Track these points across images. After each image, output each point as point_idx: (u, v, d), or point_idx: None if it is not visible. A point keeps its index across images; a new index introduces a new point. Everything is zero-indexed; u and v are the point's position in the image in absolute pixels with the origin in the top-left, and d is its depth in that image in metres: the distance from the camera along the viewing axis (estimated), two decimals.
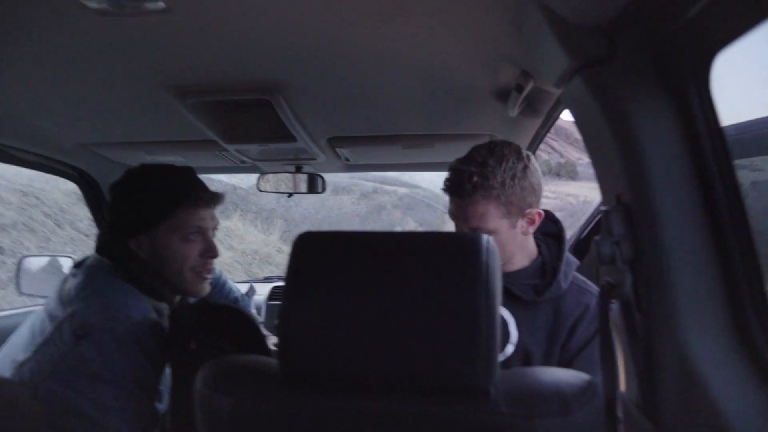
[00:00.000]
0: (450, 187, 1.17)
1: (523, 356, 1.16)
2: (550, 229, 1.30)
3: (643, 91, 0.70)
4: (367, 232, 0.73)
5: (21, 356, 1.11)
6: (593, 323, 1.17)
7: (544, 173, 2.11)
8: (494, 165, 1.13)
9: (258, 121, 1.45)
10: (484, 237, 0.68)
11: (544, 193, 1.25)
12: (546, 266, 1.23)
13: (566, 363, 1.14)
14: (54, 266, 2.15)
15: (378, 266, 0.68)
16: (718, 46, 0.62)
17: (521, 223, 1.17)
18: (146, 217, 1.22)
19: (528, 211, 1.17)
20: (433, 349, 0.64)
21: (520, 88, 1.07)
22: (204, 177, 1.36)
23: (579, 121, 0.84)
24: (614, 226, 0.77)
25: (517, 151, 1.17)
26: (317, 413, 0.69)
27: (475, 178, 1.12)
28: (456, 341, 0.64)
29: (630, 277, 0.75)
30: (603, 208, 0.82)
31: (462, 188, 1.14)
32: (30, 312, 1.23)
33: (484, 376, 0.63)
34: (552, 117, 1.31)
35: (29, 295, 2.05)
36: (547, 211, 1.30)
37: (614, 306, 0.82)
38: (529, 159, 1.17)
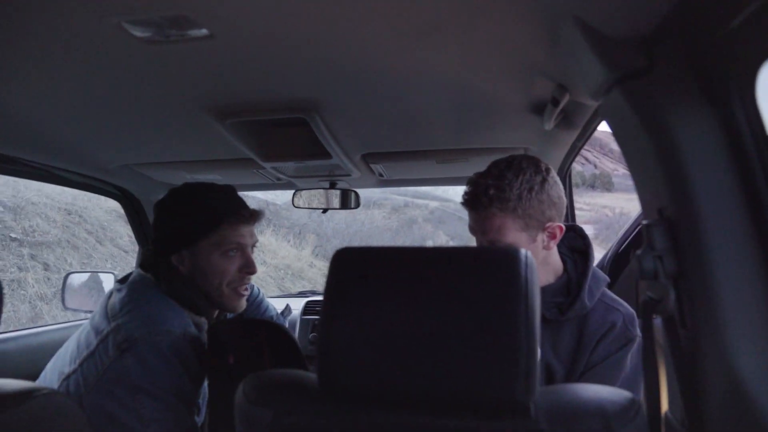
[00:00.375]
0: (467, 200, 1.17)
1: (546, 375, 1.14)
2: (577, 244, 1.28)
3: (684, 102, 0.69)
4: (405, 247, 0.74)
5: (67, 369, 1.16)
6: (616, 342, 1.14)
7: (577, 185, 2.07)
8: (511, 178, 1.13)
9: (294, 139, 1.47)
10: (523, 251, 0.67)
11: (579, 206, 1.22)
12: (571, 283, 1.20)
13: (580, 377, 1.13)
14: (96, 282, 2.22)
15: (416, 281, 0.68)
16: (763, 56, 0.61)
17: (541, 237, 1.16)
18: (189, 234, 1.25)
19: (548, 225, 1.15)
20: (472, 365, 0.63)
21: (555, 102, 1.06)
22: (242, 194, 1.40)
23: (618, 134, 0.83)
24: (656, 240, 0.75)
25: (536, 164, 1.16)
26: (356, 427, 0.69)
27: (491, 191, 1.12)
28: (495, 356, 0.63)
29: (673, 293, 0.73)
30: (644, 222, 0.80)
31: (478, 201, 1.14)
32: (74, 326, 1.27)
33: (524, 392, 0.62)
34: (589, 129, 1.30)
35: (73, 309, 2.12)
36: (575, 226, 1.28)
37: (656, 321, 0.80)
38: (548, 172, 1.16)
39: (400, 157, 1.69)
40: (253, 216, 1.31)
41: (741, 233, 0.67)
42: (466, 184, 1.18)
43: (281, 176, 1.87)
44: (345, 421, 0.69)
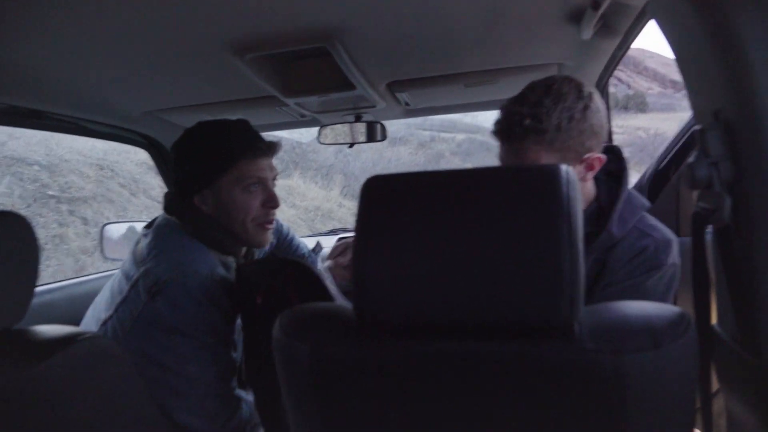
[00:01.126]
0: (500, 130, 1.06)
1: None
2: (612, 168, 1.16)
3: None
4: (438, 171, 0.70)
5: (104, 315, 1.19)
6: (642, 267, 1.05)
7: (611, 107, 1.98)
8: (550, 105, 1.01)
9: (316, 72, 1.42)
10: (563, 167, 0.63)
11: (612, 129, 1.14)
12: (603, 212, 1.11)
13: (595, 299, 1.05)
14: (133, 232, 2.27)
15: (451, 204, 0.65)
16: None
17: (579, 168, 1.06)
18: (208, 172, 1.24)
19: (587, 156, 1.05)
20: (514, 287, 0.61)
21: (597, 4, 0.97)
22: (268, 135, 1.37)
23: (669, 31, 0.76)
24: (711, 145, 0.70)
25: (578, 88, 1.04)
26: (396, 358, 0.68)
27: (527, 121, 1.00)
28: (538, 277, 0.61)
29: (729, 201, 0.69)
30: (697, 127, 0.75)
31: (512, 132, 1.03)
32: (115, 274, 1.30)
33: (568, 312, 0.60)
34: (631, 36, 1.20)
35: (113, 259, 2.17)
36: (613, 147, 1.17)
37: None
38: (591, 98, 1.04)
39: (426, 83, 1.62)
40: (271, 148, 1.29)
41: None
42: (500, 112, 1.08)
43: (305, 112, 1.83)
44: (384, 352, 0.69)
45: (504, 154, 1.08)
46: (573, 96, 1.03)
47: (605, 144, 1.12)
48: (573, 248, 0.60)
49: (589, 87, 1.07)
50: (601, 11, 0.99)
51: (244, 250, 1.37)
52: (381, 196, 0.69)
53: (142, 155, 2.16)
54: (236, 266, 1.31)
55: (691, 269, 0.77)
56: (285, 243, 1.70)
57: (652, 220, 1.13)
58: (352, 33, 1.17)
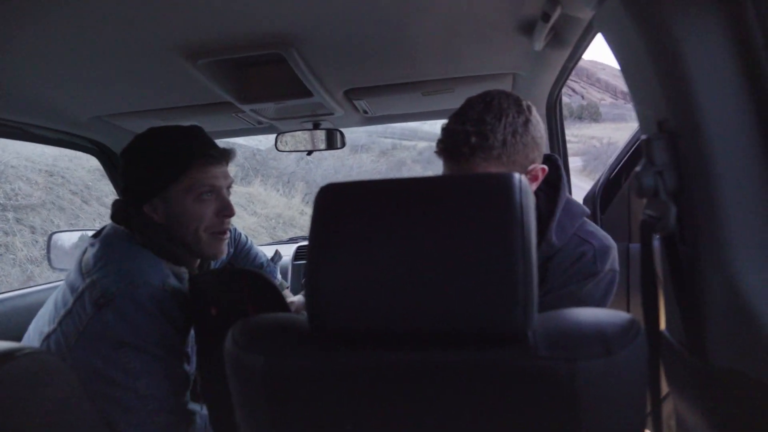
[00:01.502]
0: (445, 149, 1.03)
1: None
2: (551, 176, 1.17)
3: (691, 2, 0.64)
4: (392, 179, 0.70)
5: (47, 328, 1.14)
6: (578, 274, 1.07)
7: (565, 117, 2.02)
8: (493, 122, 1.00)
9: (272, 79, 1.40)
10: (516, 175, 0.64)
11: (567, 137, 1.16)
12: (541, 221, 1.11)
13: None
14: (84, 241, 2.18)
15: (406, 212, 0.65)
16: None
17: None
18: (158, 180, 1.20)
19: (531, 167, 1.06)
20: (469, 295, 0.61)
21: (546, 17, 1.00)
22: (224, 142, 1.34)
23: (614, 44, 0.78)
24: (656, 155, 0.72)
25: (517, 102, 1.05)
26: (351, 368, 0.67)
27: (473, 139, 0.99)
28: (492, 285, 0.61)
29: (674, 209, 0.71)
30: (643, 137, 0.77)
31: (460, 152, 1.00)
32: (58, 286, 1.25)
33: (522, 320, 0.61)
34: (580, 47, 1.24)
35: (61, 269, 2.09)
36: (550, 156, 1.18)
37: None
38: (530, 111, 1.05)
39: (384, 91, 1.62)
40: (224, 155, 1.26)
41: (748, 146, 0.64)
42: (442, 132, 1.05)
43: (262, 119, 1.81)
44: (338, 362, 0.67)
45: (451, 173, 1.06)
46: (513, 111, 1.03)
47: (544, 154, 1.14)
48: (526, 256, 0.60)
49: (527, 101, 1.08)
50: (551, 23, 1.01)
51: (198, 261, 1.33)
52: (335, 204, 0.68)
53: (95, 161, 2.09)
54: (190, 277, 1.27)
55: (640, 275, 0.78)
56: (242, 252, 1.67)
57: (592, 227, 1.15)
58: (307, 40, 1.16)
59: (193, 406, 1.23)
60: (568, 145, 1.95)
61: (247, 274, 1.21)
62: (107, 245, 1.19)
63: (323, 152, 2.08)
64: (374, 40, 1.22)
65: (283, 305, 1.17)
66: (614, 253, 1.11)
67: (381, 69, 1.45)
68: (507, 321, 0.61)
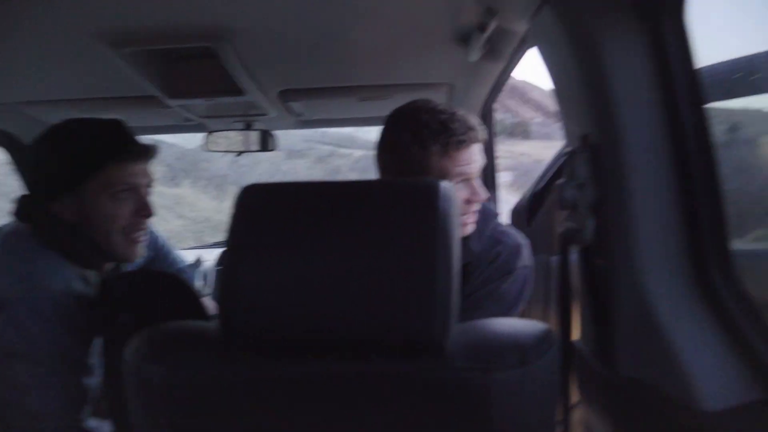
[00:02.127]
0: (469, 136, 1.02)
1: None
2: None
3: (615, 22, 0.67)
4: (317, 181, 0.68)
5: None
6: (496, 273, 1.09)
7: (498, 133, 2.08)
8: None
9: (202, 73, 1.34)
10: (441, 183, 0.63)
11: (499, 153, 1.18)
12: None
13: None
14: None
15: (327, 217, 0.63)
16: None
17: None
18: (70, 176, 1.11)
19: None
20: (387, 304, 0.60)
21: (482, 28, 1.01)
22: (150, 139, 1.27)
23: (546, 58, 0.80)
24: (578, 168, 0.74)
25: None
26: (260, 379, 0.64)
27: (470, 122, 1.03)
28: (411, 293, 0.60)
29: (593, 222, 0.73)
30: (567, 149, 0.79)
31: (475, 134, 1.03)
32: None
33: (441, 329, 0.60)
34: (514, 60, 1.27)
35: None
36: None
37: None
38: None
39: (319, 94, 1.60)
40: (146, 152, 1.18)
41: (662, 163, 0.68)
42: (437, 120, 1.03)
43: (190, 116, 1.73)
44: (247, 373, 0.64)
45: (465, 162, 1.04)
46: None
47: None
48: (447, 265, 0.60)
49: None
50: (487, 34, 1.03)
51: (108, 264, 1.24)
52: (257, 204, 0.65)
53: (3, 155, 1.91)
54: (100, 281, 1.18)
55: (557, 287, 0.80)
56: (160, 256, 1.58)
57: (502, 227, 1.18)
58: (241, 35, 1.12)
59: (93, 424, 1.14)
60: (501, 160, 2.00)
61: (163, 278, 1.14)
62: (5, 245, 1.09)
63: (258, 156, 2.02)
64: (311, 41, 1.20)
65: (202, 312, 1.11)
66: (526, 250, 1.14)
67: (317, 71, 1.43)
68: (425, 331, 0.60)
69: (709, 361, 0.64)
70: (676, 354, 0.64)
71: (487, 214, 1.16)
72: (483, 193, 1.06)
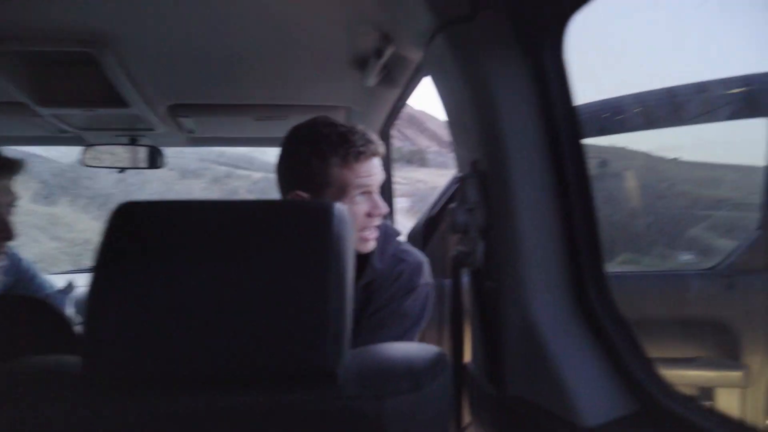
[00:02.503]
0: (372, 148, 1.03)
1: None
2: None
3: (502, 53, 0.70)
4: (201, 200, 0.64)
5: None
6: (400, 291, 1.10)
7: (396, 160, 2.11)
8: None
9: (80, 81, 1.24)
10: (336, 205, 0.62)
11: (397, 179, 1.20)
12: None
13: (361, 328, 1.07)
14: None
15: (209, 238, 0.59)
16: (570, 9, 0.63)
17: None
18: None
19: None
20: (274, 330, 0.57)
21: (379, 54, 1.03)
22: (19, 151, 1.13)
23: (439, 85, 0.82)
24: (469, 193, 0.76)
25: None
26: (129, 417, 0.57)
27: (370, 135, 1.04)
28: (301, 319, 0.57)
29: (482, 245, 0.75)
30: (459, 175, 0.81)
31: (374, 145, 1.03)
32: None
33: (333, 357, 0.57)
34: (410, 87, 1.30)
35: None
36: None
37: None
38: None
39: (213, 111, 1.53)
40: (7, 167, 1.06)
41: (545, 189, 0.71)
42: (336, 135, 1.02)
43: (66, 127, 1.58)
44: (113, 410, 0.57)
45: (366, 176, 1.03)
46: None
47: None
48: (340, 289, 0.58)
49: None
50: (383, 60, 1.04)
51: None
52: (132, 224, 0.59)
53: None
54: None
55: (449, 309, 0.81)
56: (24, 281, 1.41)
57: (404, 245, 1.19)
58: (125, 41, 1.04)
59: None
60: (399, 187, 2.03)
61: (26, 304, 1.01)
62: None
63: (149, 175, 1.90)
64: (204, 55, 1.15)
65: (72, 340, 1.00)
66: (427, 267, 1.16)
67: (211, 87, 1.37)
68: (316, 358, 0.57)
69: (588, 378, 0.67)
70: (558, 372, 0.67)
71: (389, 233, 1.16)
72: (384, 207, 1.06)
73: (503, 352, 0.74)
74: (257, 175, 18.91)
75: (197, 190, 16.68)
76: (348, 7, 0.92)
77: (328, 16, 0.96)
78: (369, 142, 1.02)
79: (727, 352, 1.86)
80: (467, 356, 0.85)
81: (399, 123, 1.80)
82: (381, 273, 1.10)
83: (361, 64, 1.16)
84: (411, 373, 0.62)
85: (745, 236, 1.97)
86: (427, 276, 1.14)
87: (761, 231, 1.85)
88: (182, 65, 1.20)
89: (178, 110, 1.50)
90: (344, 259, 0.59)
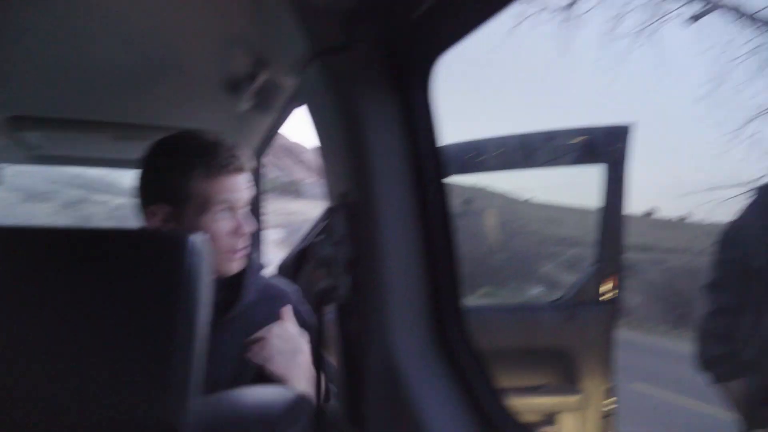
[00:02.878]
0: (239, 164, 0.96)
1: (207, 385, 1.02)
2: None
3: (375, 86, 0.71)
4: (36, 226, 0.56)
5: None
6: (275, 321, 1.04)
7: (271, 191, 2.07)
8: None
9: None
10: (192, 235, 0.56)
11: (271, 210, 1.15)
12: (231, 276, 1.06)
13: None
14: None
15: (41, 271, 0.52)
16: (438, 49, 0.66)
17: None
18: None
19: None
20: (111, 378, 0.50)
21: (252, 77, 1.01)
22: None
23: (312, 114, 0.82)
24: (336, 226, 0.75)
25: None
26: None
27: (236, 150, 0.98)
28: (141, 367, 0.51)
29: (348, 280, 0.74)
30: (327, 207, 0.81)
31: (240, 160, 0.96)
32: None
33: (175, 409, 0.51)
34: (284, 114, 1.29)
35: None
36: None
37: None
38: None
39: (64, 127, 1.38)
40: None
41: (410, 224, 0.72)
42: (200, 147, 0.95)
43: None
44: None
45: (235, 190, 0.97)
46: None
47: None
48: (188, 333, 0.52)
49: None
50: (256, 85, 1.02)
51: None
52: None
53: None
54: None
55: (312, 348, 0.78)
56: None
57: (274, 280, 1.15)
58: None
59: None
60: (273, 218, 1.97)
61: None
62: None
63: None
64: (54, 63, 1.04)
65: None
66: (299, 296, 1.12)
67: (61, 99, 1.24)
68: (156, 410, 0.51)
69: (446, 418, 0.66)
70: (418, 415, 0.66)
71: (255, 266, 1.10)
72: (250, 226, 1.00)
73: (365, 392, 0.73)
74: (117, 200, 17.41)
75: (43, 215, 14.94)
76: (220, 26, 0.89)
77: (199, 33, 0.93)
78: (234, 156, 0.97)
79: (568, 378, 2.04)
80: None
81: (275, 153, 1.77)
82: (249, 306, 1.04)
83: (234, 87, 1.13)
84: (265, 420, 0.59)
85: (583, 271, 2.20)
86: (300, 304, 1.10)
87: (595, 266, 2.08)
88: (25, 72, 1.08)
89: (18, 122, 1.34)
90: (195, 297, 0.53)
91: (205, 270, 0.56)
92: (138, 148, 1.59)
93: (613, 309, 2.07)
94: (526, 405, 1.95)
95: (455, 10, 0.59)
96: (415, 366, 0.69)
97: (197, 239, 0.56)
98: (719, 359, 1.51)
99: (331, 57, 0.71)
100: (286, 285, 1.14)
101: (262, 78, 0.99)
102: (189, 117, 1.38)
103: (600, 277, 2.06)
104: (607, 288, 2.06)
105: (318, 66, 0.73)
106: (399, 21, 0.66)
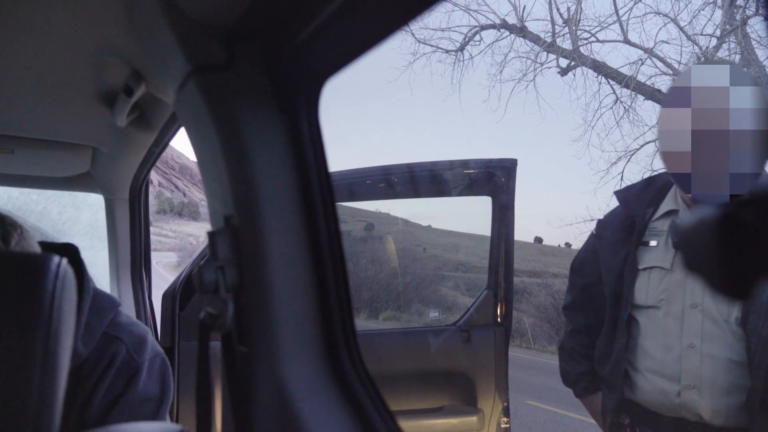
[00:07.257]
0: None
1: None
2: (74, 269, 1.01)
3: (258, 107, 0.68)
4: None
5: None
6: (120, 379, 0.93)
7: (166, 212, 1.96)
8: None
9: None
10: (57, 258, 0.52)
11: (165, 232, 1.05)
12: None
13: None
14: None
15: None
16: (324, 74, 0.65)
17: None
18: None
19: None
20: None
21: (129, 91, 0.93)
22: None
23: (191, 134, 0.77)
24: (220, 250, 0.71)
25: None
26: None
27: None
28: None
29: (233, 307, 0.70)
30: (210, 230, 0.76)
31: None
32: None
33: None
34: (167, 132, 1.20)
35: None
36: (68, 245, 0.98)
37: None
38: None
39: None
40: None
41: (298, 248, 0.69)
42: None
43: None
44: None
45: None
46: None
47: (63, 243, 0.96)
48: (50, 363, 0.48)
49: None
50: (133, 99, 0.94)
51: None
52: None
53: None
54: None
55: (196, 378, 0.73)
56: None
57: (121, 317, 1.00)
58: None
59: None
60: (168, 240, 1.85)
61: None
62: None
63: None
64: None
65: None
66: (150, 337, 1.00)
67: None
68: None
69: None
70: None
71: (102, 306, 0.96)
72: None
73: (254, 423, 0.69)
74: None
75: None
76: (92, 31, 0.81)
77: (70, 41, 0.84)
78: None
79: (467, 399, 2.09)
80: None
81: (170, 173, 1.66)
82: (88, 358, 0.91)
83: (110, 100, 1.03)
84: None
85: (478, 295, 2.28)
86: (151, 348, 0.98)
87: (488, 290, 2.17)
88: None
89: None
90: (60, 325, 0.49)
91: (69, 295, 0.52)
92: (7, 162, 1.43)
93: (506, 331, 2.16)
94: (428, 427, 1.96)
95: (341, 36, 0.57)
96: (306, 396, 0.66)
97: (63, 262, 0.52)
98: (578, 376, 1.62)
99: (210, 75, 0.67)
100: (134, 327, 1.00)
101: (139, 92, 0.91)
102: (58, 129, 1.25)
103: (493, 301, 2.15)
104: (499, 311, 2.16)
105: (196, 83, 0.68)
106: (283, 42, 0.64)
